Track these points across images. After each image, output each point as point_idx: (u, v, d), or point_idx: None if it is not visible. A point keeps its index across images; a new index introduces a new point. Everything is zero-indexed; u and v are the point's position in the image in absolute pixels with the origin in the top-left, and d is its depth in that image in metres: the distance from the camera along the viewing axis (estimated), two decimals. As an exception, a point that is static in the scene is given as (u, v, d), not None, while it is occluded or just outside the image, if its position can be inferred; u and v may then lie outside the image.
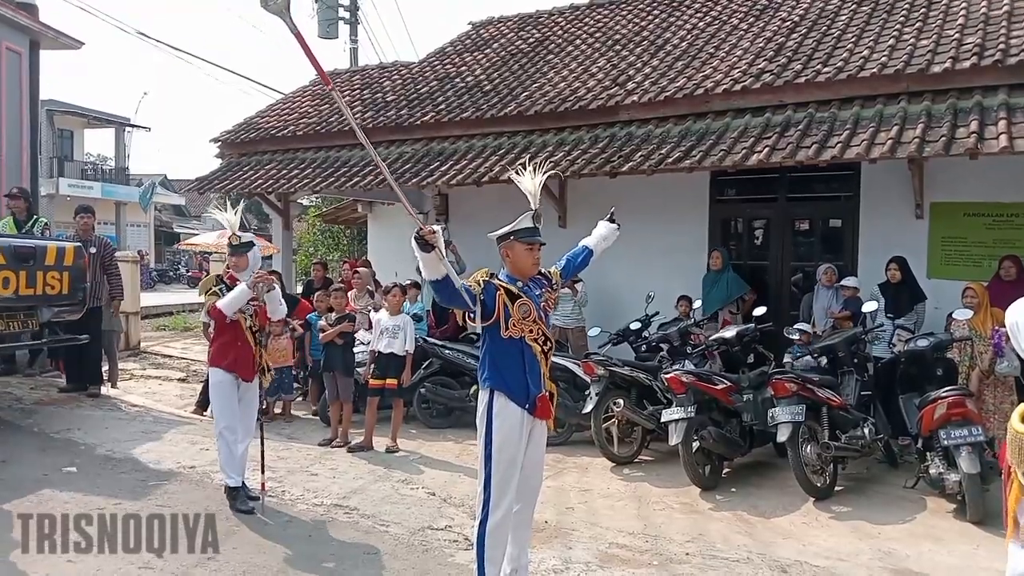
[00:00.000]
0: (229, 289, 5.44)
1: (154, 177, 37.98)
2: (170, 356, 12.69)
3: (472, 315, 3.85)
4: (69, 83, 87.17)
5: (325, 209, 19.67)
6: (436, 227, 3.56)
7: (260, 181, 11.13)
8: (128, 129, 35.16)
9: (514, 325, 3.82)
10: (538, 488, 4.09)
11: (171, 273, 38.02)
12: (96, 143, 49.16)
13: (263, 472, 5.66)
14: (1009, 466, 1.63)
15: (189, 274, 35.38)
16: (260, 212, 40.15)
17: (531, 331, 3.86)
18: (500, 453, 3.81)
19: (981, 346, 6.44)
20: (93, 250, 8.73)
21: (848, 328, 7.25)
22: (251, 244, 5.62)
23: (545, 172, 4.16)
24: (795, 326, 7.38)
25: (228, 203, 5.54)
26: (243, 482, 5.55)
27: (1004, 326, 6.35)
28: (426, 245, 3.48)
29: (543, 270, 4.09)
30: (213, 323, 5.65)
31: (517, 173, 4.15)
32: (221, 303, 5.36)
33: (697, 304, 8.01)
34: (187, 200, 41.51)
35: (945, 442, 5.40)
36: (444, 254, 3.59)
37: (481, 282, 3.79)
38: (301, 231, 22.62)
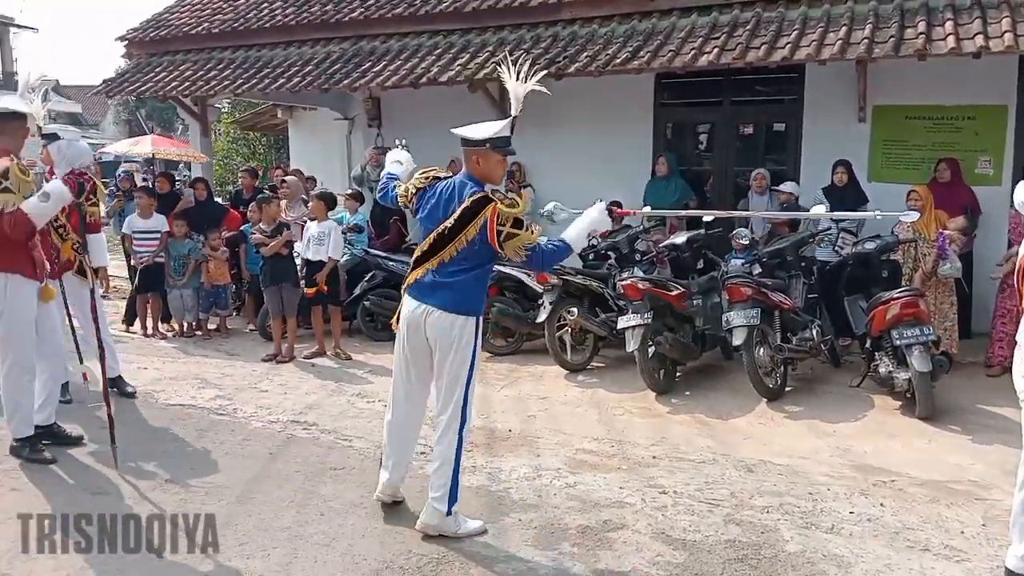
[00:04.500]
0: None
1: (46, 83, 35.17)
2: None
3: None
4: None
5: (240, 116, 18.67)
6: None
7: (175, 83, 10.35)
8: (13, 30, 32.28)
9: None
10: None
11: (71, 186, 35.70)
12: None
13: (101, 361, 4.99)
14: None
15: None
16: (163, 119, 38.00)
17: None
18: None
19: (925, 248, 6.56)
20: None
21: (786, 233, 7.30)
22: (54, 136, 5.34)
23: (534, 74, 3.75)
24: (737, 231, 7.36)
25: (40, 94, 4.91)
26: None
27: (948, 228, 6.50)
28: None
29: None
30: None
31: (507, 72, 3.76)
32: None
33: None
34: (84, 108, 38.74)
35: (897, 341, 5.50)
36: None
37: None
38: (213, 139, 21.52)
